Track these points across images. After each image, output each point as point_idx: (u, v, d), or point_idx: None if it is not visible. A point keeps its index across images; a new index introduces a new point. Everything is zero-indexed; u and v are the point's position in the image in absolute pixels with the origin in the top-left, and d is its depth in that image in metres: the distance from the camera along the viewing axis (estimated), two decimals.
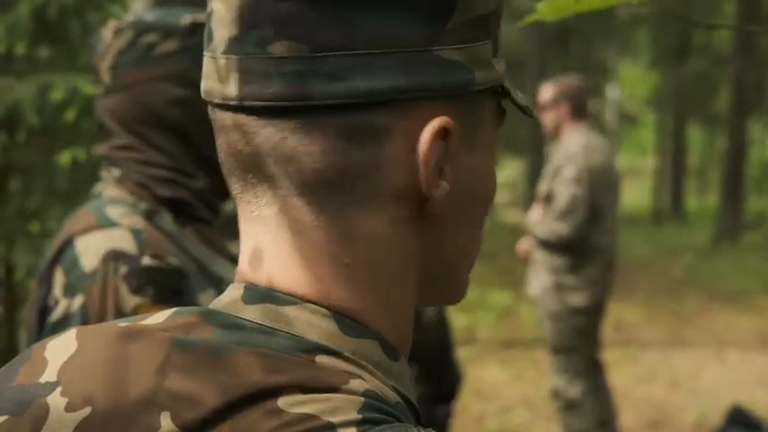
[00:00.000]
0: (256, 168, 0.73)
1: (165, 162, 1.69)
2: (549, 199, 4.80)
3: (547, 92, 4.89)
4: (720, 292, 9.64)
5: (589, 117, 4.97)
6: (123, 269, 1.55)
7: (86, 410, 0.70)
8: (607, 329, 8.09)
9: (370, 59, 0.70)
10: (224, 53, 0.72)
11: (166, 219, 1.68)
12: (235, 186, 0.75)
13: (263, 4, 0.70)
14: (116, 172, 1.71)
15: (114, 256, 1.57)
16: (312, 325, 0.71)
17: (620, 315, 8.35)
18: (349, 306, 0.73)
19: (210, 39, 0.73)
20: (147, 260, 1.57)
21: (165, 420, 0.68)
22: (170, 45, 1.69)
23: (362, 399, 0.68)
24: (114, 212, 1.65)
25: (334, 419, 0.66)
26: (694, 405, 6.09)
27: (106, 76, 1.72)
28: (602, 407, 4.82)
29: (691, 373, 6.84)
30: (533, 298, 4.95)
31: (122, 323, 0.75)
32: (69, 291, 1.58)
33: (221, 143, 0.74)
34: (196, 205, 1.71)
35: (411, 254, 0.75)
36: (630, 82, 24.57)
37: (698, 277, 10.23)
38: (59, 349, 0.74)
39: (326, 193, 0.71)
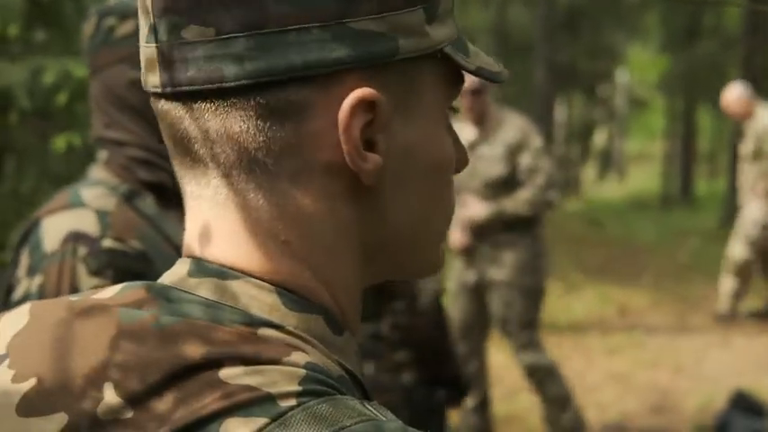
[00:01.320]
0: (189, 151, 0.74)
1: (138, 143, 1.70)
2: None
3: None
4: None
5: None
6: (82, 250, 1.57)
7: (32, 382, 0.71)
8: (612, 314, 8.08)
9: (283, 37, 0.70)
10: (146, 42, 0.74)
11: (148, 201, 1.69)
12: (176, 168, 0.77)
13: None
14: (104, 154, 1.74)
15: (75, 237, 1.58)
16: (256, 299, 0.73)
17: (626, 300, 8.33)
18: (292, 281, 0.74)
19: (141, 30, 0.75)
20: (107, 242, 1.58)
21: (109, 391, 0.69)
22: (127, 27, 1.71)
23: (304, 371, 0.69)
24: (88, 194, 1.66)
25: (274, 391, 0.67)
26: (698, 390, 6.07)
27: (86, 61, 1.76)
28: None
29: (696, 358, 6.82)
30: (493, 282, 4.86)
31: (74, 298, 0.76)
32: (31, 271, 1.60)
33: (162, 128, 0.77)
34: (177, 189, 1.71)
35: (348, 227, 0.75)
36: (640, 66, 24.47)
37: (704, 262, 10.19)
38: (11, 323, 0.76)
39: (257, 171, 0.73)
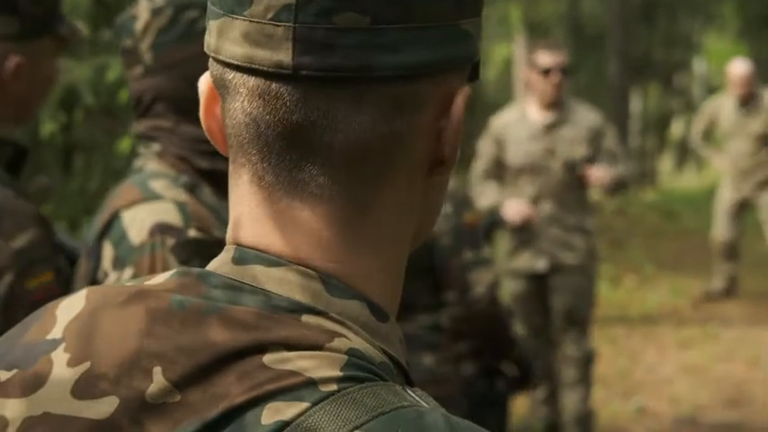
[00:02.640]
0: (293, 138, 0.73)
1: (207, 136, 1.71)
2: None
3: (558, 56, 4.82)
4: None
5: None
6: (170, 241, 1.58)
7: (86, 365, 0.73)
8: (686, 307, 7.95)
9: (421, 33, 0.73)
10: (273, 20, 0.71)
11: (206, 192, 1.70)
12: (249, 153, 0.75)
13: None
14: (156, 147, 1.74)
15: (161, 229, 1.60)
16: (299, 286, 0.74)
17: (700, 292, 8.19)
18: (340, 269, 0.75)
19: (244, 3, 0.73)
20: (192, 232, 1.60)
21: (158, 375, 0.70)
22: None
23: (346, 357, 0.70)
24: (157, 185, 1.67)
25: (316, 376, 0.68)
26: None
27: (147, 56, 1.73)
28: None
29: None
30: (562, 268, 4.78)
31: (129, 283, 0.78)
32: (119, 263, 1.62)
33: (245, 108, 0.74)
34: None
35: (415, 217, 0.79)
36: (717, 54, 23.98)
37: None
38: (69, 308, 0.78)
39: (363, 161, 0.74)
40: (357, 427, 0.66)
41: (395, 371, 0.75)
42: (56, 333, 0.76)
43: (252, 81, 0.73)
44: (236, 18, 0.73)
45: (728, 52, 23.43)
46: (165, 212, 1.62)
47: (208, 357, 0.70)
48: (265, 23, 0.72)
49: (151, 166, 1.74)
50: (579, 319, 4.82)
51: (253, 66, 0.73)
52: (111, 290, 0.78)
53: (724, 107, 7.72)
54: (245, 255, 0.76)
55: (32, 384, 0.74)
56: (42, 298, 1.64)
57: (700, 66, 22.84)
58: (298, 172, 0.74)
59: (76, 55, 3.31)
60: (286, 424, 0.67)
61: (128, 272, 1.59)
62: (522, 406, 4.90)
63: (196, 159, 1.71)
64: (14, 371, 0.75)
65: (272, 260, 0.75)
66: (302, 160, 0.74)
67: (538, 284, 4.84)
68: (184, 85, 1.69)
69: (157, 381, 0.70)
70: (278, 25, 0.71)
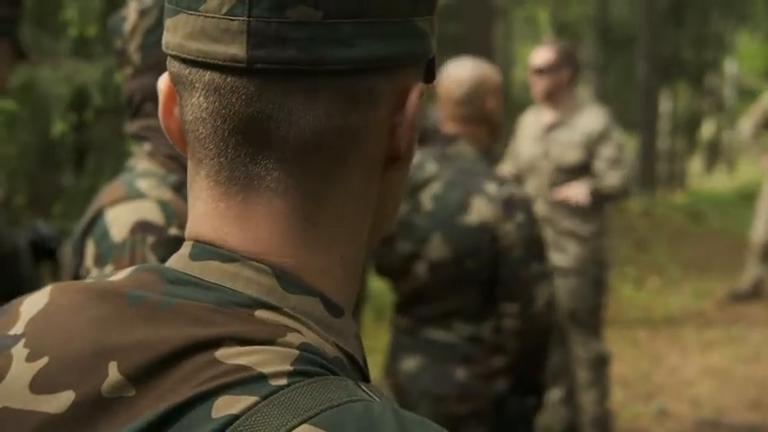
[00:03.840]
0: (249, 131, 0.74)
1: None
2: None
3: (544, 55, 4.73)
4: None
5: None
6: (151, 239, 1.60)
7: (44, 360, 0.74)
8: (711, 309, 7.88)
9: (375, 28, 0.74)
10: (227, 14, 0.72)
11: None
12: (206, 148, 0.76)
13: None
14: (147, 146, 1.76)
15: (142, 227, 1.61)
16: (253, 281, 0.75)
17: (724, 293, 8.12)
18: (295, 264, 0.76)
19: None
20: (174, 231, 1.61)
21: (113, 369, 0.72)
22: None
23: (297, 352, 0.71)
24: (143, 184, 1.69)
25: (266, 370, 0.69)
26: None
27: (135, 57, 1.76)
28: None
29: None
30: (556, 270, 4.73)
31: (90, 281, 0.81)
32: (100, 261, 1.64)
33: (201, 103, 0.75)
34: None
35: (371, 211, 0.80)
36: (749, 55, 23.77)
37: None
38: (33, 304, 0.79)
39: (318, 154, 0.75)
40: (304, 421, 0.66)
41: (348, 366, 0.76)
42: (17, 329, 0.77)
43: (207, 75, 0.74)
44: (192, 14, 0.74)
45: (760, 53, 23.22)
46: (147, 211, 1.63)
47: (162, 352, 0.71)
48: (220, 18, 0.73)
49: (141, 165, 1.76)
50: (582, 322, 4.76)
51: (208, 60, 0.74)
52: (74, 286, 0.79)
53: None
54: (202, 250, 0.77)
55: None
56: None
57: (731, 66, 22.63)
58: (254, 166, 0.75)
59: (87, 56, 3.33)
60: (235, 417, 0.67)
61: (108, 269, 1.61)
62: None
63: (185, 158, 1.73)
64: None
65: (227, 256, 0.76)
66: (258, 154, 0.75)
67: None
68: None
69: (113, 375, 0.71)
70: (232, 20, 0.72)
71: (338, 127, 0.74)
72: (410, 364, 2.86)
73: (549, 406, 4.91)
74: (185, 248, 0.78)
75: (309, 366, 0.70)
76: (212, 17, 0.73)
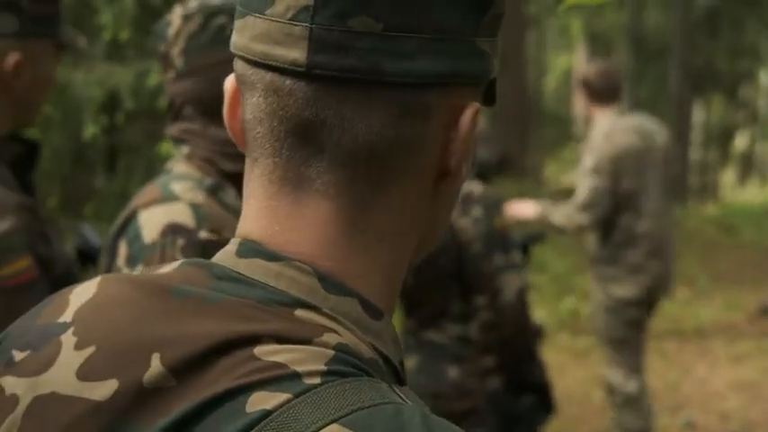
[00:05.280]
0: (303, 134, 0.76)
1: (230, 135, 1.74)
2: None
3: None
4: None
5: (621, 101, 4.69)
6: (181, 242, 1.62)
7: (91, 349, 0.77)
8: (742, 321, 7.81)
9: (434, 44, 0.76)
10: (292, 19, 0.75)
11: (231, 193, 1.74)
12: (262, 147, 0.79)
13: None
14: (185, 149, 1.78)
15: (173, 230, 1.63)
16: (295, 281, 0.76)
17: (756, 306, 8.05)
18: (337, 267, 0.78)
19: (267, 3, 0.76)
20: (203, 234, 1.63)
21: (155, 361, 0.74)
22: None
23: (332, 352, 0.73)
24: (178, 187, 1.71)
25: (300, 369, 0.71)
26: None
27: (178, 61, 1.78)
28: None
29: None
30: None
31: (137, 273, 0.83)
32: (131, 261, 1.66)
33: (261, 104, 0.78)
34: None
35: (420, 224, 0.82)
36: None
37: None
38: (82, 293, 0.82)
39: (369, 163, 0.77)
40: (335, 420, 0.68)
41: (384, 368, 0.77)
42: (66, 317, 0.80)
43: (269, 77, 0.77)
44: (258, 17, 0.77)
45: None
46: (179, 213, 1.65)
47: (203, 346, 0.73)
48: (284, 23, 0.75)
49: (178, 168, 1.78)
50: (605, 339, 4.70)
51: (269, 62, 0.76)
52: (122, 278, 0.81)
53: None
54: (248, 248, 0.79)
55: (42, 365, 0.78)
56: (18, 283, 1.69)
57: (766, 78, 22.45)
58: (306, 168, 0.77)
59: (120, 59, 3.37)
60: (268, 413, 0.69)
61: (139, 270, 1.62)
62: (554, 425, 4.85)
63: (221, 161, 1.75)
64: (27, 351, 0.79)
65: (272, 254, 0.78)
66: (311, 157, 0.77)
67: None
68: (212, 89, 1.73)
69: (155, 366, 0.73)
70: (296, 25, 0.75)
71: (391, 138, 0.76)
72: (409, 363, 2.90)
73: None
74: (233, 245, 0.80)
75: (343, 367, 0.72)
76: (277, 21, 0.75)
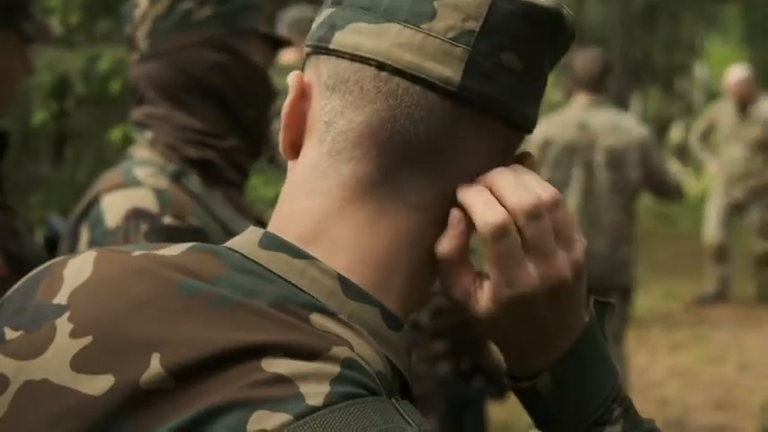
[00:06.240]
0: (411, 150, 0.77)
1: (198, 125, 1.74)
2: None
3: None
4: None
5: (599, 91, 4.83)
6: (144, 227, 1.61)
7: (87, 339, 0.74)
8: (679, 310, 7.96)
9: (539, 89, 0.81)
10: (453, 40, 0.76)
11: (194, 180, 1.73)
12: (360, 146, 0.78)
13: (508, 17, 0.77)
14: (148, 135, 1.77)
15: (136, 215, 1.62)
16: (317, 282, 0.76)
17: (691, 295, 8.20)
18: (364, 272, 0.77)
19: (423, 17, 0.77)
20: (167, 219, 1.62)
21: (155, 361, 0.72)
22: (205, 11, 1.73)
23: (338, 369, 0.71)
24: (141, 173, 1.70)
25: (304, 389, 0.69)
26: (763, 387, 5.95)
27: (143, 43, 1.76)
28: None
29: (762, 355, 6.68)
30: None
31: (139, 252, 0.79)
32: (93, 246, 1.63)
33: (366, 108, 0.77)
34: (223, 167, 1.75)
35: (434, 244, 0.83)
36: (719, 60, 23.97)
37: None
38: (76, 271, 0.79)
39: (451, 180, 0.79)
40: None
41: (393, 381, 0.76)
42: (61, 298, 0.77)
43: (404, 85, 0.77)
44: (410, 27, 0.77)
45: (730, 57, 23.41)
46: (142, 198, 1.64)
47: (207, 353, 0.71)
48: (444, 40, 0.77)
49: (141, 153, 1.77)
50: None
51: (415, 73, 0.76)
52: (119, 257, 0.79)
53: (725, 112, 7.79)
54: (272, 240, 0.77)
55: (35, 349, 0.75)
56: None
57: (701, 70, 22.82)
58: (405, 183, 0.78)
59: (69, 44, 3.33)
60: None
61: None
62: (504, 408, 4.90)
63: (185, 148, 1.74)
64: (20, 332, 0.77)
65: (298, 251, 0.77)
66: (414, 171, 0.78)
67: None
68: (177, 74, 1.73)
69: (154, 367, 0.71)
70: (456, 46, 0.77)
71: (478, 160, 0.80)
72: None
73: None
74: (253, 234, 0.79)
75: (349, 386, 0.70)
76: (436, 37, 0.76)
